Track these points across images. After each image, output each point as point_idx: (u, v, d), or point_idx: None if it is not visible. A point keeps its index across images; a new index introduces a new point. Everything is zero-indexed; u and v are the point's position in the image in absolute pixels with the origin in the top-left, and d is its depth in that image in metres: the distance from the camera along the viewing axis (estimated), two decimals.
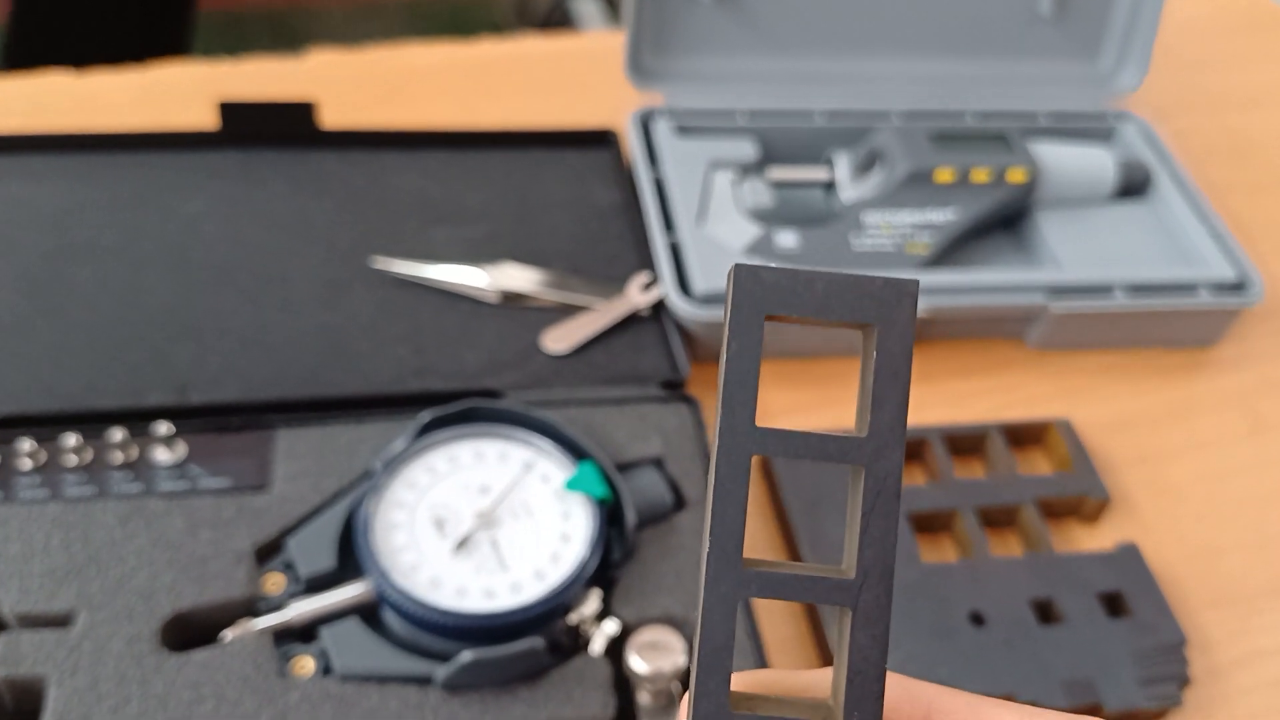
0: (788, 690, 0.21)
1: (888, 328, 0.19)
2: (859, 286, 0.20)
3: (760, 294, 0.20)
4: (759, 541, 0.54)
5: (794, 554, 0.54)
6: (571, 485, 0.49)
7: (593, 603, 0.47)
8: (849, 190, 0.67)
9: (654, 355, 0.59)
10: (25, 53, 1.26)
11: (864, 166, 0.67)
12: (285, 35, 2.10)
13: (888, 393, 0.20)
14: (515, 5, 2.16)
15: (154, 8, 1.34)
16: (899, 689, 0.21)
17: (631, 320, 0.61)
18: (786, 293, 0.20)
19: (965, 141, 0.68)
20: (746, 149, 0.68)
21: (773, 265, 0.20)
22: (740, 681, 0.21)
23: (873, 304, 0.20)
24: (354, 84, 0.75)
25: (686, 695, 0.21)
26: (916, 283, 0.20)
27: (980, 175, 0.66)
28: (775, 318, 0.20)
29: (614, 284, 0.62)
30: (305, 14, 2.18)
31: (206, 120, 0.70)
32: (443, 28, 2.19)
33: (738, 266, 0.20)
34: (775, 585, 0.20)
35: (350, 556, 0.47)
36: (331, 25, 2.17)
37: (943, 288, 0.62)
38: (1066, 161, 0.69)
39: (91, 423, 0.51)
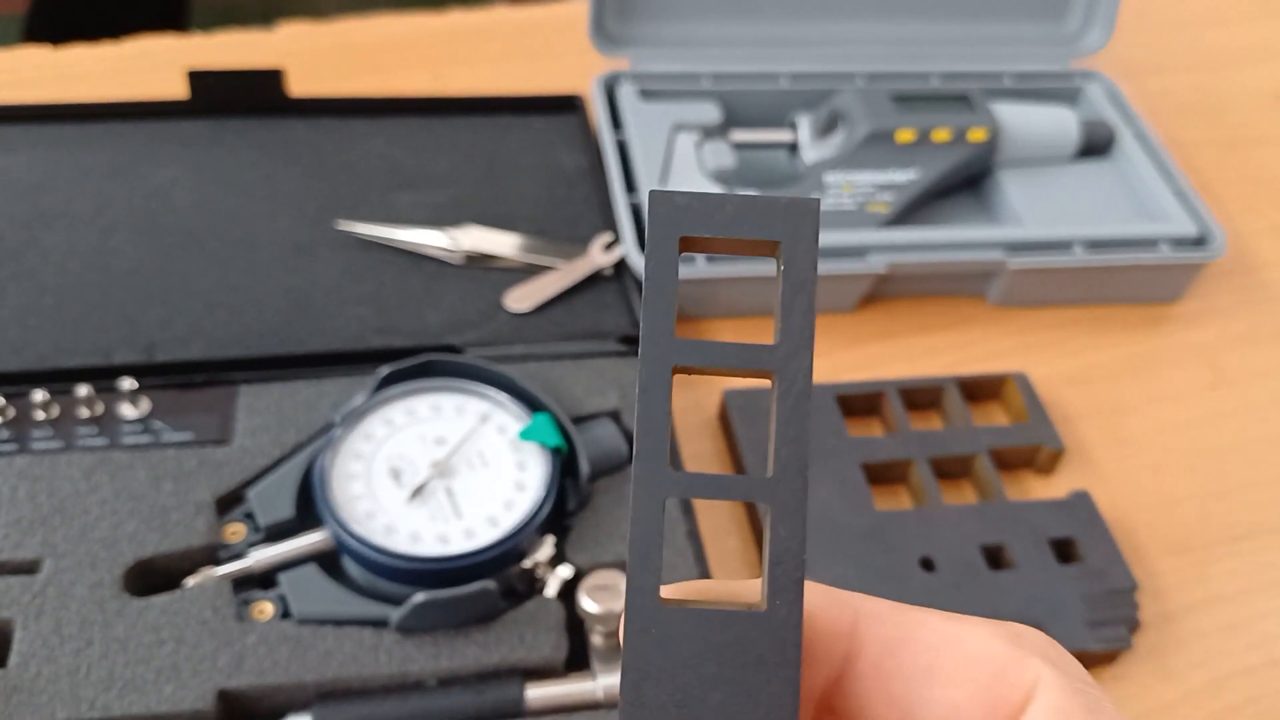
0: (719, 595, 0.22)
1: (793, 243, 0.21)
2: (765, 206, 0.21)
3: (675, 217, 0.21)
4: None
5: (750, 507, 0.55)
6: (526, 435, 0.50)
7: (546, 548, 0.48)
8: (811, 151, 0.67)
9: (615, 313, 0.60)
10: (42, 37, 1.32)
11: (825, 128, 0.68)
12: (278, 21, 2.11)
13: (794, 302, 0.21)
14: None
15: None
16: (824, 597, 0.21)
17: (594, 279, 0.62)
18: (699, 214, 0.21)
19: (926, 102, 0.68)
20: (709, 111, 0.68)
21: (685, 190, 0.21)
22: (675, 590, 0.21)
23: (779, 221, 0.21)
24: (324, 55, 0.76)
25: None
26: (818, 200, 0.21)
27: (941, 135, 0.67)
28: (690, 239, 0.21)
29: (577, 245, 0.63)
30: (298, 1, 2.19)
31: (179, 91, 0.71)
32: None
33: (653, 192, 0.21)
34: (699, 485, 0.21)
35: (310, 507, 0.49)
36: (325, 14, 2.17)
37: (902, 244, 0.63)
38: (1028, 121, 0.69)
39: (60, 381, 0.52)
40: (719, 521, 0.54)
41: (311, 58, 0.75)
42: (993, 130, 0.67)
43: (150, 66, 0.73)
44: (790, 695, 0.20)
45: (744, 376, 0.21)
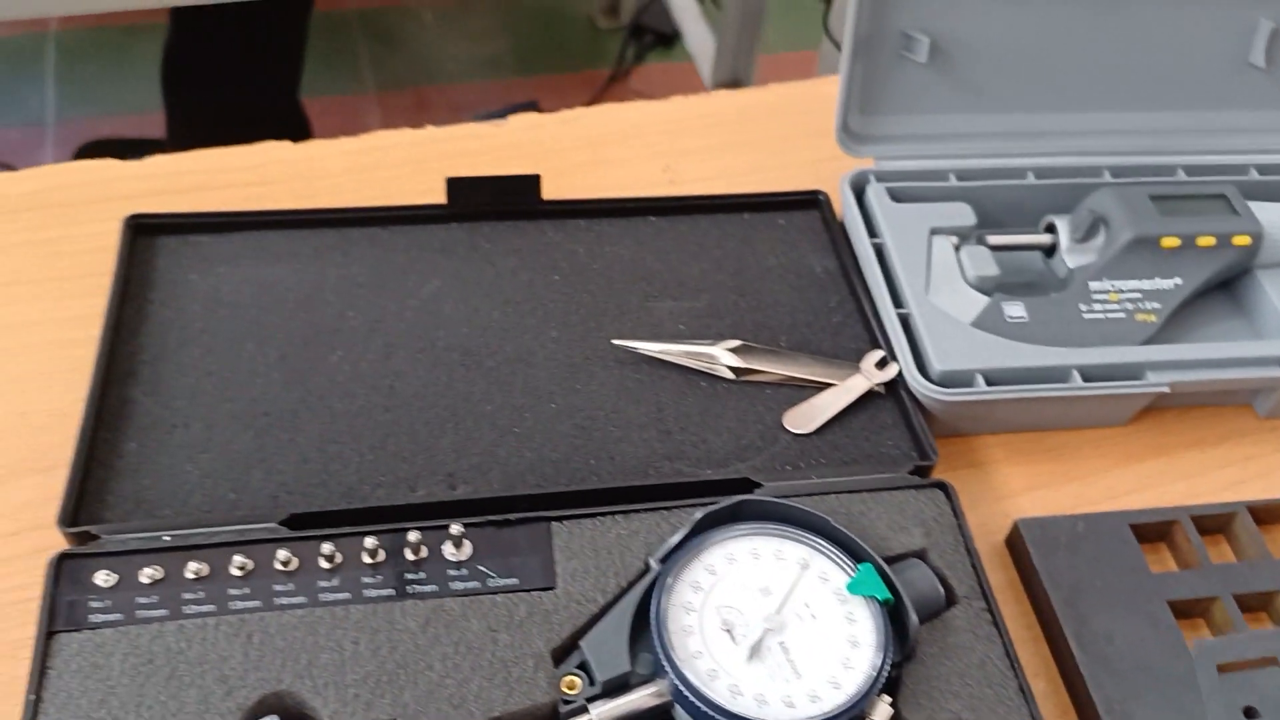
0: None
1: None
2: None
3: None
4: (1018, 628, 0.55)
5: (1055, 646, 0.54)
6: (854, 589, 0.50)
7: (883, 709, 0.47)
8: (1071, 256, 0.66)
9: (895, 435, 0.60)
10: (179, 69, 1.36)
11: (1086, 232, 0.66)
12: (379, 34, 2.13)
13: None
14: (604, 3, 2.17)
15: (279, 18, 1.41)
16: None
17: (866, 396, 0.61)
18: None
19: (1186, 203, 0.67)
20: (964, 213, 0.67)
21: None
22: None
23: None
24: (551, 146, 0.75)
25: None
26: None
27: (1205, 240, 0.65)
28: None
29: (845, 360, 0.63)
30: (398, 12, 2.20)
31: (418, 185, 0.71)
32: (533, 21, 2.20)
33: None
34: None
35: (635, 656, 0.48)
36: (423, 24, 2.18)
37: (1178, 362, 0.62)
38: None
39: (371, 521, 0.52)
40: (1025, 661, 0.53)
41: (539, 149, 0.75)
42: (1257, 235, 0.66)
43: (388, 162, 0.73)
44: None
45: None
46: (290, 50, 1.48)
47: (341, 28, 2.13)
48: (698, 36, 2.00)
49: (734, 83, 1.83)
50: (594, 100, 1.93)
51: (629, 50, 2.08)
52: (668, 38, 2.12)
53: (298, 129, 1.54)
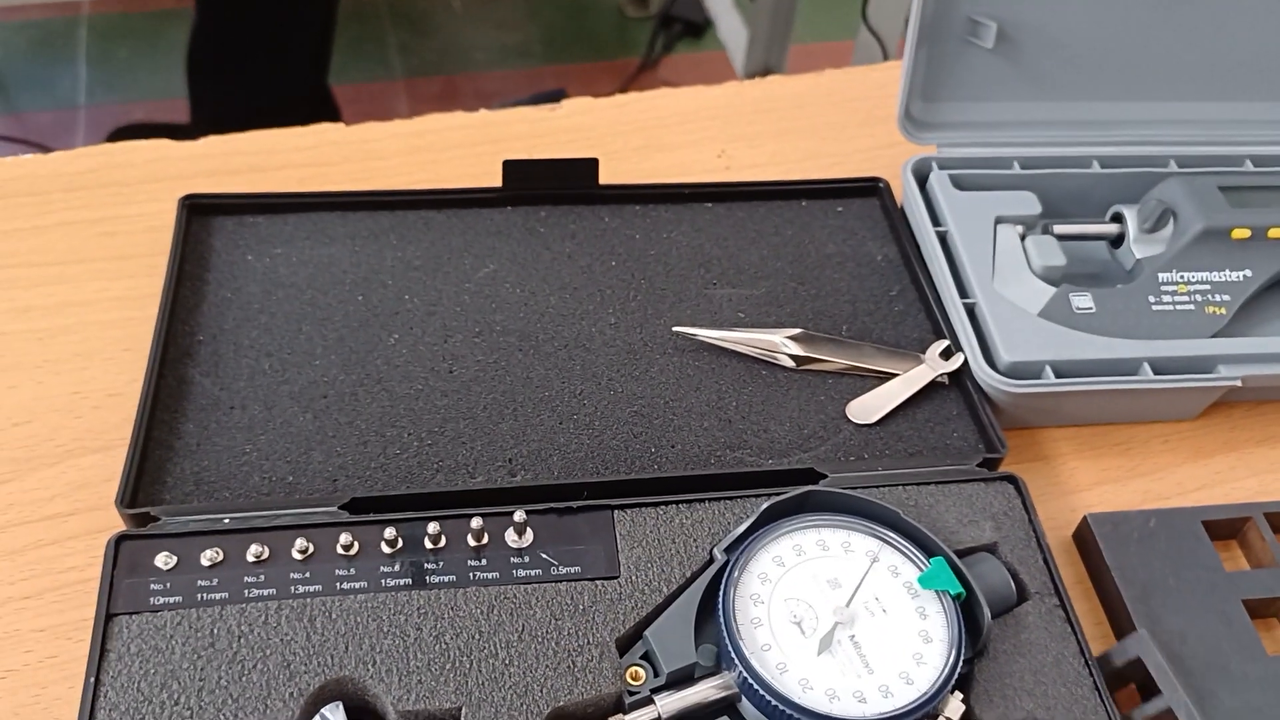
0: None
1: None
2: None
3: None
4: (1087, 624, 0.53)
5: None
6: (926, 583, 0.48)
7: (956, 705, 0.46)
8: (1139, 247, 0.65)
9: (960, 426, 0.59)
10: (204, 54, 1.36)
11: (1154, 222, 0.65)
12: (408, 21, 2.12)
13: None
14: None
15: (307, 3, 1.40)
16: None
17: (929, 387, 0.60)
18: None
19: (1255, 194, 0.66)
20: (1030, 202, 0.66)
21: None
22: None
23: None
24: (609, 132, 0.74)
25: None
26: None
27: (1276, 232, 0.64)
28: None
29: (906, 348, 0.62)
30: None
31: (472, 169, 0.70)
32: (562, 10, 2.19)
33: None
34: None
35: (698, 647, 0.48)
36: (452, 11, 2.18)
37: (1251, 355, 0.60)
38: None
39: (430, 506, 0.51)
40: None
41: (593, 133, 0.74)
42: None
43: (442, 145, 0.72)
44: None
45: None
46: (318, 36, 1.46)
47: (370, 14, 2.12)
48: (730, 27, 1.99)
49: (767, 73, 1.82)
50: (623, 90, 1.92)
51: (658, 40, 2.07)
52: (697, 27, 2.11)
53: (327, 116, 1.54)
